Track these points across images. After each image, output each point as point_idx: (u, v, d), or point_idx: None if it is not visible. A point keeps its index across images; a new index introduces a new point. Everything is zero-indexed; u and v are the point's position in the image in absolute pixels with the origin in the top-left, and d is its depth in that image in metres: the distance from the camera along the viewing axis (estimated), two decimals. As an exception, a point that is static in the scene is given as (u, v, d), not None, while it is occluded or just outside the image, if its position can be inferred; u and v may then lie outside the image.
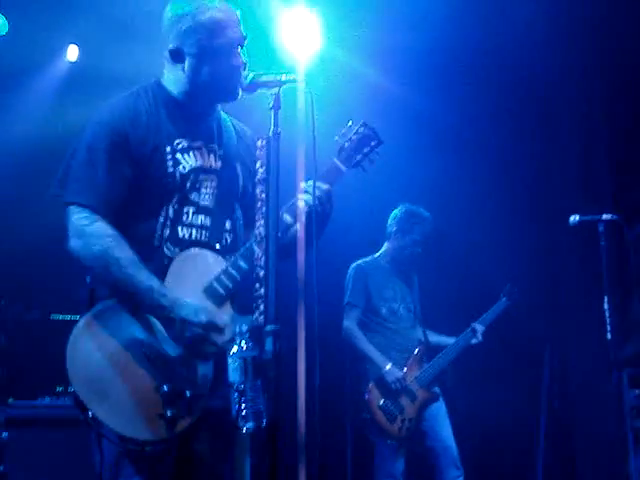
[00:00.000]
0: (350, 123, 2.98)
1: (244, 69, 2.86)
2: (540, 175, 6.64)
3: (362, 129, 2.96)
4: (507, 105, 6.46)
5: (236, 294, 2.82)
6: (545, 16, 6.06)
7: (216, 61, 2.85)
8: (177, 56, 2.89)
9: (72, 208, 2.78)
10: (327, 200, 2.84)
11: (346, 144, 2.94)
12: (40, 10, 6.28)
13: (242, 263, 2.78)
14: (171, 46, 2.89)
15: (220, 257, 2.85)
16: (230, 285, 2.78)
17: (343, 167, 2.92)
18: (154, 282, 2.70)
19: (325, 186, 2.84)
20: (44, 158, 6.05)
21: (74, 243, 2.76)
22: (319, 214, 2.76)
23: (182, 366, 2.70)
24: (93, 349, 2.67)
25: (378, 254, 5.64)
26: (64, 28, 6.52)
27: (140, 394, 2.64)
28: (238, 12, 2.92)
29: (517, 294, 5.60)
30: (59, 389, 5.34)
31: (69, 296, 5.92)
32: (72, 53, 6.79)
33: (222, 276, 2.79)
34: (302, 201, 2.79)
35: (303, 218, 2.78)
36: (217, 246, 2.87)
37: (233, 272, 2.79)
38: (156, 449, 2.62)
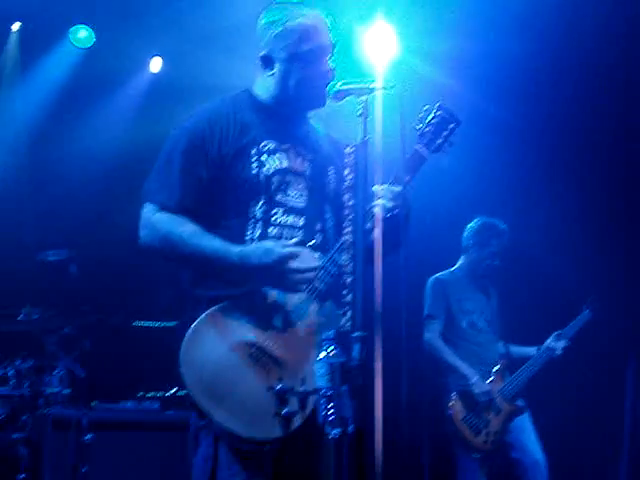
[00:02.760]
0: (427, 107, 2.96)
1: (332, 76, 2.88)
2: (623, 182, 6.49)
3: (440, 112, 2.94)
4: (585, 110, 6.34)
5: (335, 289, 2.81)
6: (622, 23, 5.94)
7: (304, 67, 2.89)
8: (267, 62, 2.94)
9: (144, 205, 2.87)
10: (403, 202, 2.81)
11: (426, 129, 2.93)
12: (125, 23, 6.45)
13: (338, 258, 2.80)
14: (262, 52, 2.95)
15: (315, 254, 2.85)
16: (329, 280, 2.81)
17: (426, 153, 2.92)
18: (216, 243, 2.75)
19: (398, 188, 2.82)
20: (128, 166, 6.21)
21: (141, 234, 2.85)
22: (398, 217, 2.77)
23: (291, 365, 2.74)
24: (206, 352, 2.71)
25: (455, 267, 5.59)
26: (148, 40, 6.68)
27: (255, 395, 2.69)
28: (328, 20, 2.95)
29: (600, 306, 5.47)
30: (140, 394, 5.43)
31: (151, 303, 6.09)
32: (155, 65, 6.94)
33: (320, 272, 2.81)
34: (378, 207, 2.79)
35: (380, 224, 2.77)
36: (309, 244, 2.87)
37: (331, 268, 2.81)
38: (273, 448, 2.69)
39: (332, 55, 2.94)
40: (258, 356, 2.73)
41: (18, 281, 6.15)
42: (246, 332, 2.75)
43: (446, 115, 2.95)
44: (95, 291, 5.69)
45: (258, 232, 2.85)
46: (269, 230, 2.86)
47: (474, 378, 5.15)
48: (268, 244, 2.77)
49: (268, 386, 2.69)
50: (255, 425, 2.68)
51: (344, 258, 2.60)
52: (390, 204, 2.79)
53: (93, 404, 5.11)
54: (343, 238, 2.79)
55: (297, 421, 2.67)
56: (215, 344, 2.72)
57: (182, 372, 2.69)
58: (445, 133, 2.94)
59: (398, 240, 2.70)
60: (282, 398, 2.64)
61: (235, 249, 2.75)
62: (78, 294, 5.47)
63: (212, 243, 2.76)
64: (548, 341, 5.38)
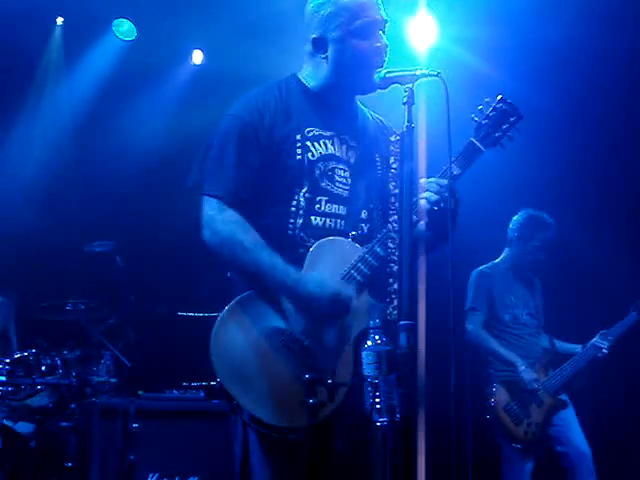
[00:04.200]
0: (487, 99, 2.89)
1: (386, 53, 2.86)
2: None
3: (500, 105, 2.87)
4: (635, 99, 6.23)
5: (374, 281, 2.80)
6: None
7: (359, 43, 2.85)
8: (320, 44, 2.91)
9: (204, 199, 2.85)
10: (451, 195, 2.76)
11: (484, 121, 2.86)
12: (166, 16, 6.49)
13: (379, 249, 2.77)
14: (314, 35, 2.91)
15: (356, 244, 2.84)
16: (368, 272, 2.77)
17: (482, 146, 2.85)
18: (277, 261, 2.72)
19: (444, 181, 2.77)
20: (171, 158, 6.26)
21: (205, 232, 2.82)
22: (445, 210, 2.73)
23: (323, 356, 2.72)
24: (236, 339, 2.72)
25: (499, 260, 5.53)
26: (189, 33, 6.72)
27: (283, 383, 2.68)
28: None
29: None
30: (184, 383, 5.48)
31: (195, 293, 6.14)
32: (197, 57, 6.99)
33: (359, 263, 2.78)
34: (424, 199, 2.75)
35: (426, 216, 2.74)
36: (352, 233, 2.86)
37: (370, 259, 2.78)
38: (298, 437, 2.65)
39: (384, 31, 2.91)
40: (288, 344, 2.71)
41: (65, 272, 6.26)
42: (277, 319, 2.73)
43: (507, 108, 2.87)
44: (140, 282, 5.74)
45: (301, 221, 2.83)
46: (312, 219, 2.84)
47: (522, 366, 5.11)
48: (325, 276, 2.73)
49: (297, 375, 2.65)
50: (280, 413, 2.67)
51: (390, 247, 2.58)
52: (435, 197, 2.75)
53: (139, 393, 5.15)
54: (385, 230, 2.77)
55: (324, 412, 2.63)
56: (245, 331, 2.71)
57: (212, 359, 2.69)
58: (505, 126, 2.87)
59: (444, 234, 2.67)
60: (310, 388, 2.58)
61: (293, 272, 2.71)
62: (123, 285, 5.54)
63: (272, 259, 2.72)
64: (594, 339, 5.31)
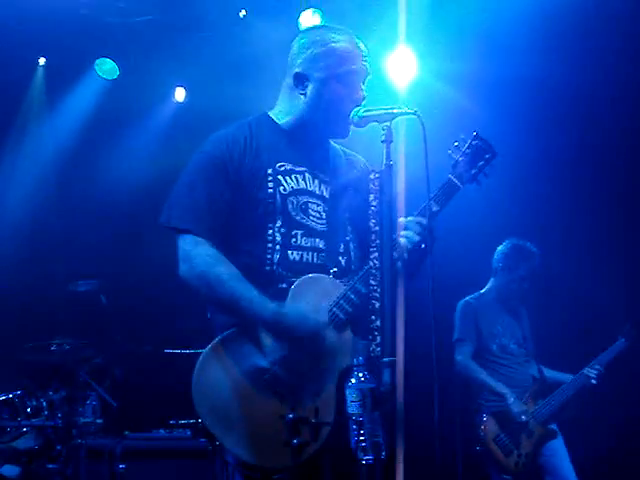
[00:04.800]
0: (462, 136, 2.91)
1: (362, 104, 2.85)
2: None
3: (475, 142, 2.90)
4: (612, 132, 6.29)
5: (356, 318, 2.79)
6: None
7: (340, 88, 2.89)
8: (301, 80, 2.93)
9: (179, 235, 2.85)
10: (429, 235, 2.77)
11: (460, 158, 2.88)
12: (148, 54, 6.54)
13: (361, 287, 2.77)
14: (298, 69, 2.94)
15: (337, 282, 2.84)
16: (350, 310, 2.77)
17: (459, 183, 2.87)
18: (254, 295, 2.71)
19: (425, 221, 2.79)
20: (154, 195, 6.24)
21: (181, 267, 2.83)
22: (425, 251, 2.74)
23: (306, 394, 2.71)
24: (218, 379, 2.71)
25: (484, 290, 5.55)
26: (172, 71, 6.77)
27: (266, 422, 2.66)
28: (366, 51, 2.96)
29: (637, 335, 5.38)
30: (172, 422, 5.45)
31: (182, 331, 6.11)
32: (179, 94, 7.03)
33: (341, 301, 2.79)
34: (404, 238, 2.76)
35: (405, 255, 2.72)
36: (334, 269, 2.87)
37: (352, 296, 2.78)
38: (283, 477, 2.64)
39: (365, 83, 2.94)
40: (271, 383, 2.70)
41: (49, 311, 6.22)
42: (259, 358, 2.72)
43: (482, 145, 2.90)
44: (125, 320, 5.72)
45: (278, 256, 2.83)
46: (289, 253, 2.84)
47: (511, 398, 5.11)
48: (304, 309, 2.73)
49: (280, 414, 2.62)
50: (264, 453, 2.65)
51: (372, 283, 2.58)
52: (417, 238, 2.76)
53: (126, 433, 5.12)
54: (366, 267, 2.76)
55: (308, 451, 2.61)
56: (227, 370, 2.71)
57: (194, 398, 2.68)
58: (481, 163, 2.90)
59: (415, 271, 2.71)
60: (294, 428, 2.57)
61: (271, 305, 2.70)
62: (108, 324, 5.52)
63: (250, 292, 2.71)
64: (584, 369, 5.32)
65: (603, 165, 6.35)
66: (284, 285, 2.81)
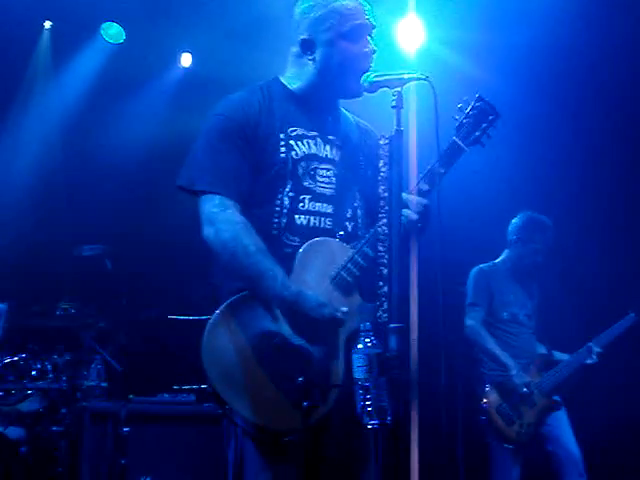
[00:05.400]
0: (466, 98, 2.92)
1: (373, 59, 2.87)
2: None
3: (479, 103, 2.90)
4: (624, 101, 6.24)
5: (364, 281, 2.79)
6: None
7: (347, 46, 2.87)
8: (308, 46, 2.92)
9: (204, 197, 2.80)
10: (424, 214, 2.80)
11: (464, 120, 2.89)
12: (155, 19, 6.50)
13: (368, 250, 2.77)
14: (303, 36, 2.92)
15: (345, 245, 2.84)
16: (357, 273, 2.78)
17: (464, 145, 2.87)
18: (279, 272, 2.70)
19: (425, 201, 2.81)
20: (160, 161, 6.26)
21: (206, 231, 2.79)
22: (416, 229, 2.76)
23: (315, 357, 2.71)
24: (228, 341, 2.70)
25: (498, 260, 5.54)
26: (178, 36, 6.72)
27: (275, 385, 2.67)
28: (367, 5, 2.94)
29: None
30: (175, 387, 5.48)
31: (186, 297, 6.14)
32: (185, 60, 6.99)
33: (349, 264, 2.79)
34: (404, 217, 2.74)
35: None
36: (340, 233, 2.87)
37: (359, 260, 2.78)
38: (292, 439, 2.65)
39: (372, 37, 2.92)
40: (281, 346, 2.70)
41: (54, 276, 6.25)
42: (269, 322, 2.72)
43: (485, 107, 2.90)
44: (130, 285, 5.73)
45: (285, 220, 2.83)
46: (296, 217, 2.84)
47: (514, 370, 5.13)
48: (323, 299, 2.72)
49: (290, 377, 2.63)
50: (274, 415, 2.66)
51: (380, 249, 2.59)
52: (414, 217, 2.77)
53: (130, 397, 5.14)
54: (373, 230, 2.77)
55: (318, 414, 2.63)
56: (236, 335, 2.70)
57: (204, 363, 2.68)
58: (484, 125, 2.89)
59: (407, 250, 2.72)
60: (303, 390, 2.59)
61: (293, 287, 2.70)
62: (113, 289, 5.54)
63: (274, 269, 2.70)
64: (591, 343, 5.32)
65: (618, 135, 6.31)
66: (290, 250, 2.81)
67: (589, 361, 5.26)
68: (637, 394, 6.14)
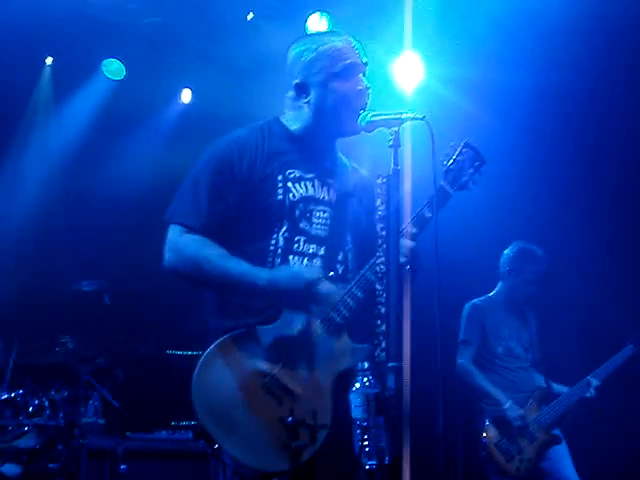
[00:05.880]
0: (452, 143, 2.97)
1: (368, 96, 2.91)
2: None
3: (465, 149, 2.96)
4: (618, 139, 6.29)
5: (353, 323, 2.83)
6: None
7: (341, 85, 2.91)
8: (302, 89, 2.97)
9: (170, 227, 2.87)
10: (412, 257, 2.79)
11: (451, 166, 2.95)
12: (155, 56, 6.55)
13: (358, 292, 2.81)
14: (296, 80, 2.97)
15: (333, 285, 2.85)
16: (347, 314, 2.80)
17: (451, 190, 2.93)
18: (244, 266, 2.76)
19: (410, 243, 2.82)
20: (159, 196, 6.24)
21: (167, 257, 2.84)
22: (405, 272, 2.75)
23: (303, 396, 2.72)
24: (217, 382, 2.71)
25: (492, 293, 5.55)
26: (178, 72, 6.78)
27: (265, 426, 2.67)
28: (357, 43, 2.99)
29: None
30: (173, 423, 5.45)
31: (182, 332, 6.12)
32: (186, 96, 7.04)
33: (339, 305, 2.82)
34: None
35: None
36: (331, 274, 2.88)
37: (349, 301, 2.81)
38: None
39: (365, 74, 2.96)
40: (271, 387, 2.71)
41: (53, 311, 6.22)
42: (259, 362, 2.74)
43: (472, 153, 2.96)
44: (128, 321, 5.73)
45: (279, 260, 2.86)
46: (290, 258, 2.87)
47: (507, 403, 5.11)
48: (296, 268, 2.80)
49: (279, 417, 2.66)
50: (263, 456, 2.65)
51: (377, 287, 2.59)
52: (402, 259, 2.75)
53: (127, 434, 5.12)
54: (363, 271, 2.81)
55: (306, 455, 2.63)
56: (226, 373, 2.72)
57: (193, 401, 2.69)
58: (470, 171, 2.95)
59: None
60: (293, 430, 2.61)
61: (263, 273, 2.76)
62: (111, 324, 5.53)
63: (240, 266, 2.77)
64: (589, 377, 5.31)
65: (611, 172, 6.35)
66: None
67: (588, 395, 5.24)
68: (638, 426, 6.11)
